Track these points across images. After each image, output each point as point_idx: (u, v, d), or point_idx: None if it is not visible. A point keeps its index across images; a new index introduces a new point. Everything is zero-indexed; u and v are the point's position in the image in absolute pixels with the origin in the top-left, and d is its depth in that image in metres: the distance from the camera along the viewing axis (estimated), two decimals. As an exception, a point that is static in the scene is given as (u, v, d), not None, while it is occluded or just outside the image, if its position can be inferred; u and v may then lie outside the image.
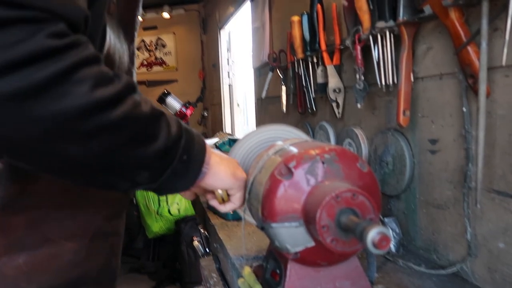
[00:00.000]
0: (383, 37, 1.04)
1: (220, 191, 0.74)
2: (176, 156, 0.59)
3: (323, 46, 1.36)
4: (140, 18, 0.91)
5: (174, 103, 3.75)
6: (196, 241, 1.77)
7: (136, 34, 0.88)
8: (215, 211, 1.53)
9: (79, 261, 0.76)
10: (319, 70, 1.41)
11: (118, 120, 0.50)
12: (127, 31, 0.83)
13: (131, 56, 0.86)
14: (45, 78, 0.44)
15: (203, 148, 0.66)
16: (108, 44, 0.71)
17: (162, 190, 0.64)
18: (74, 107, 0.46)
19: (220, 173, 0.71)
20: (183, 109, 3.72)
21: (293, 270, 0.74)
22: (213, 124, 4.58)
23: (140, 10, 0.90)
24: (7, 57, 0.43)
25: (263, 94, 2.04)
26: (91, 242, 0.77)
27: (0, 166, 0.66)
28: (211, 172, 0.68)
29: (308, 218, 0.66)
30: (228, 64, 3.99)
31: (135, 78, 0.90)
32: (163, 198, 3.66)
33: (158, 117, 0.58)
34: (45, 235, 0.71)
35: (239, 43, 3.83)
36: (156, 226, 3.68)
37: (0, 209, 0.67)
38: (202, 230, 1.74)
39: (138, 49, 4.85)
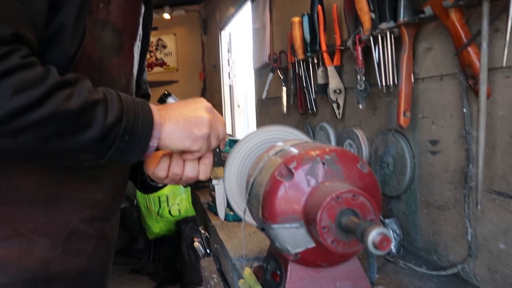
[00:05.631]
0: (383, 38, 1.04)
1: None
2: (117, 138, 0.65)
3: (324, 47, 1.36)
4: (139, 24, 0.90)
5: (174, 104, 3.75)
6: (196, 242, 1.77)
7: (136, 43, 0.87)
8: (216, 212, 1.53)
9: (54, 259, 0.76)
10: (319, 71, 1.41)
11: (42, 118, 0.57)
12: (125, 40, 0.83)
13: (130, 67, 0.86)
14: None
15: (149, 125, 0.69)
16: (93, 51, 0.74)
17: (114, 163, 0.70)
18: None
19: (174, 141, 0.73)
20: (184, 110, 3.72)
21: (293, 271, 0.74)
22: (214, 125, 4.57)
23: (141, 20, 0.89)
24: None
25: (264, 95, 2.04)
26: (68, 242, 0.78)
27: None
28: (163, 142, 0.72)
29: (308, 219, 0.66)
30: (228, 64, 3.99)
31: (133, 87, 0.90)
32: (164, 199, 3.66)
33: (93, 106, 0.63)
34: (16, 229, 0.73)
35: (239, 44, 3.83)
36: (157, 227, 3.68)
37: None
38: (202, 231, 1.73)
39: (139, 50, 4.85)
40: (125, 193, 0.95)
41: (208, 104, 0.77)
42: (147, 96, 1.11)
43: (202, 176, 0.81)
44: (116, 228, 0.94)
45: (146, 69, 1.10)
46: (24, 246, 0.73)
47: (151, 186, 0.95)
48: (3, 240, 0.72)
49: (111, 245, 0.91)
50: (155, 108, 0.71)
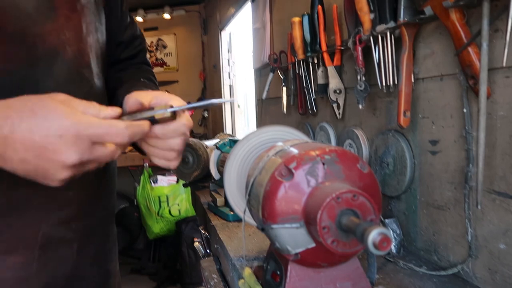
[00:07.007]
0: (383, 38, 1.04)
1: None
2: None
3: (324, 47, 1.36)
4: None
5: (174, 104, 3.76)
6: (196, 242, 1.77)
7: (80, 1, 0.75)
8: (216, 212, 1.53)
9: (32, 275, 0.68)
10: (319, 71, 1.41)
11: None
12: (57, 2, 0.71)
13: (77, 31, 0.75)
14: None
15: None
16: (4, 23, 0.63)
17: None
18: None
19: (17, 169, 0.57)
20: (184, 110, 3.72)
21: (293, 271, 0.74)
22: (214, 125, 4.58)
23: None
24: None
25: (264, 95, 2.04)
26: (44, 252, 0.70)
27: None
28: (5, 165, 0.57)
29: (308, 219, 0.66)
30: (228, 65, 3.99)
31: (91, 53, 0.78)
32: (164, 199, 3.67)
33: None
34: None
35: (239, 44, 3.83)
36: (157, 227, 3.68)
37: None
38: (202, 231, 1.73)
39: (139, 50, 4.85)
40: (108, 185, 0.85)
41: (75, 136, 0.55)
42: (142, 52, 1.00)
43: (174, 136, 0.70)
44: (110, 223, 0.86)
45: (130, 23, 0.97)
46: None
47: None
48: None
49: (105, 243, 0.84)
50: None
